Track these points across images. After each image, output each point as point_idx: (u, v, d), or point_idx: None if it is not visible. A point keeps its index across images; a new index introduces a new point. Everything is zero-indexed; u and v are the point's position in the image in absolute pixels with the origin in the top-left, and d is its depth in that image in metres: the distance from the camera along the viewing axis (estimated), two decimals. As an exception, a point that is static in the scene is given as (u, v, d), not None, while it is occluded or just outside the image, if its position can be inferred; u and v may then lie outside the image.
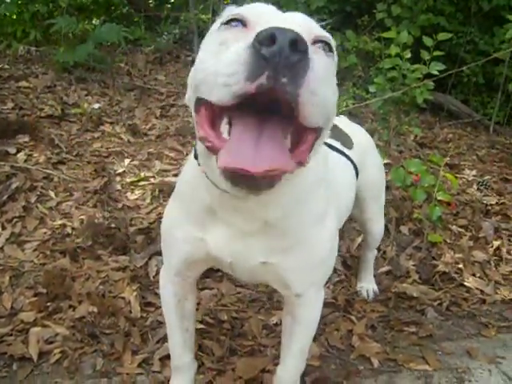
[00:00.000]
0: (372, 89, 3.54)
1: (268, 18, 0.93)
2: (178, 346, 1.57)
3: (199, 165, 1.09)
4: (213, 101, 0.85)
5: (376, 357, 1.93)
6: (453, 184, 2.67)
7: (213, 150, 0.88)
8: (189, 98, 1.01)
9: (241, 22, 0.93)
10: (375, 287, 2.37)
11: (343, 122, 1.92)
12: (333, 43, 1.00)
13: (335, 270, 2.42)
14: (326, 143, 1.44)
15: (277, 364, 1.81)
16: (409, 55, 3.48)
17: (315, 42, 0.96)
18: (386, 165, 3.28)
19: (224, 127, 0.88)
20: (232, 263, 1.23)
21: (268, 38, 0.76)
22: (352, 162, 1.74)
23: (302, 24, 0.95)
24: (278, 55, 0.75)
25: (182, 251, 1.32)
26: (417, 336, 2.10)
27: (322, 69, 0.86)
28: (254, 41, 0.77)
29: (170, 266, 1.43)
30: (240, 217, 1.14)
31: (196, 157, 1.12)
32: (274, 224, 1.15)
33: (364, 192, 1.97)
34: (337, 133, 1.75)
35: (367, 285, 2.36)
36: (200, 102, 0.92)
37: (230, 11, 0.99)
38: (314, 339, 1.94)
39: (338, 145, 1.69)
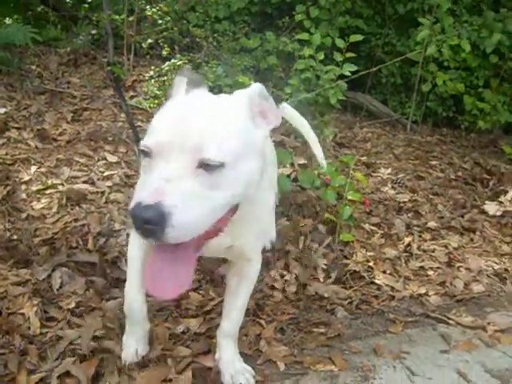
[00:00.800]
0: (288, 90, 3.57)
1: (164, 148, 1.19)
2: (138, 300, 1.77)
3: None
4: None
5: (283, 360, 1.92)
6: (362, 183, 2.73)
7: None
8: None
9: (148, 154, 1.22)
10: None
11: None
12: (220, 161, 1.19)
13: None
14: None
15: (180, 372, 1.79)
16: (322, 57, 3.53)
17: (200, 165, 1.18)
18: (302, 165, 3.32)
19: None
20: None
21: (133, 219, 1.12)
22: None
23: (195, 147, 1.18)
24: (140, 230, 1.13)
25: None
26: (325, 336, 2.11)
27: (190, 197, 1.15)
28: (129, 213, 1.14)
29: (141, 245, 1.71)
30: None
31: None
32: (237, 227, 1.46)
33: None
34: None
35: None
36: None
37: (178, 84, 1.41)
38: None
39: None
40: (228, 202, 1.25)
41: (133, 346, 1.82)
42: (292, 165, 3.38)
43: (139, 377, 1.73)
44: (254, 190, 1.32)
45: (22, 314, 2.03)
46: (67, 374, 1.76)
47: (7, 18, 6.04)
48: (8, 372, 1.75)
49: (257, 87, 1.36)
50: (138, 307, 1.79)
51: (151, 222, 1.09)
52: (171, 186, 1.13)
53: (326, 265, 2.56)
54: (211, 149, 1.18)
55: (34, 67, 4.13)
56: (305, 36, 3.61)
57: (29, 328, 1.96)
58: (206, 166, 1.18)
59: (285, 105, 2.50)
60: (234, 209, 1.31)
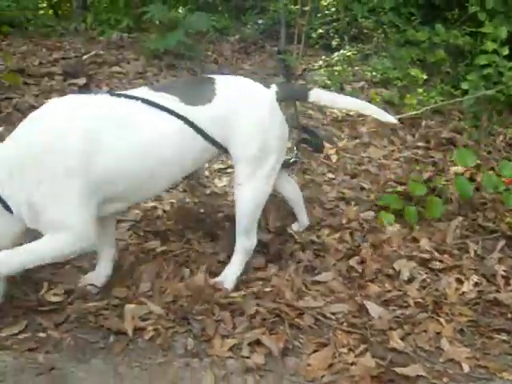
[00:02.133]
0: (465, 86, 3.43)
1: None
2: None
3: None
4: None
5: (466, 362, 1.88)
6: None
7: None
8: None
9: None
10: None
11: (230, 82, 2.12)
12: None
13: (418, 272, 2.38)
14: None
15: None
16: (506, 52, 3.35)
17: None
18: (475, 166, 3.16)
19: None
20: None
21: None
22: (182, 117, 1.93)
23: None
24: None
25: None
26: (509, 345, 2.03)
27: None
28: None
29: None
30: None
31: None
32: None
33: (234, 150, 2.04)
34: (183, 91, 2.00)
35: None
36: None
37: None
38: (402, 339, 1.96)
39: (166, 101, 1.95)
40: None
41: None
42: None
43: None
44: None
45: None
46: (258, 342, 1.89)
47: (180, 7, 6.51)
48: (204, 334, 1.92)
49: None
50: None
51: None
52: None
53: (504, 271, 2.45)
54: None
55: (209, 53, 4.41)
56: (488, 29, 3.44)
57: (223, 297, 2.10)
58: None
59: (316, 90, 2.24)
60: None
